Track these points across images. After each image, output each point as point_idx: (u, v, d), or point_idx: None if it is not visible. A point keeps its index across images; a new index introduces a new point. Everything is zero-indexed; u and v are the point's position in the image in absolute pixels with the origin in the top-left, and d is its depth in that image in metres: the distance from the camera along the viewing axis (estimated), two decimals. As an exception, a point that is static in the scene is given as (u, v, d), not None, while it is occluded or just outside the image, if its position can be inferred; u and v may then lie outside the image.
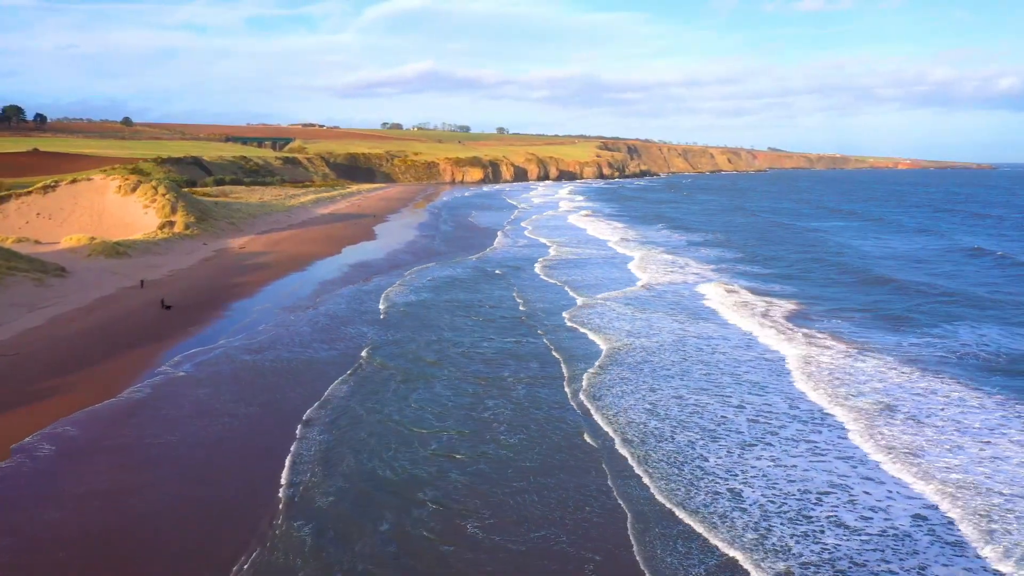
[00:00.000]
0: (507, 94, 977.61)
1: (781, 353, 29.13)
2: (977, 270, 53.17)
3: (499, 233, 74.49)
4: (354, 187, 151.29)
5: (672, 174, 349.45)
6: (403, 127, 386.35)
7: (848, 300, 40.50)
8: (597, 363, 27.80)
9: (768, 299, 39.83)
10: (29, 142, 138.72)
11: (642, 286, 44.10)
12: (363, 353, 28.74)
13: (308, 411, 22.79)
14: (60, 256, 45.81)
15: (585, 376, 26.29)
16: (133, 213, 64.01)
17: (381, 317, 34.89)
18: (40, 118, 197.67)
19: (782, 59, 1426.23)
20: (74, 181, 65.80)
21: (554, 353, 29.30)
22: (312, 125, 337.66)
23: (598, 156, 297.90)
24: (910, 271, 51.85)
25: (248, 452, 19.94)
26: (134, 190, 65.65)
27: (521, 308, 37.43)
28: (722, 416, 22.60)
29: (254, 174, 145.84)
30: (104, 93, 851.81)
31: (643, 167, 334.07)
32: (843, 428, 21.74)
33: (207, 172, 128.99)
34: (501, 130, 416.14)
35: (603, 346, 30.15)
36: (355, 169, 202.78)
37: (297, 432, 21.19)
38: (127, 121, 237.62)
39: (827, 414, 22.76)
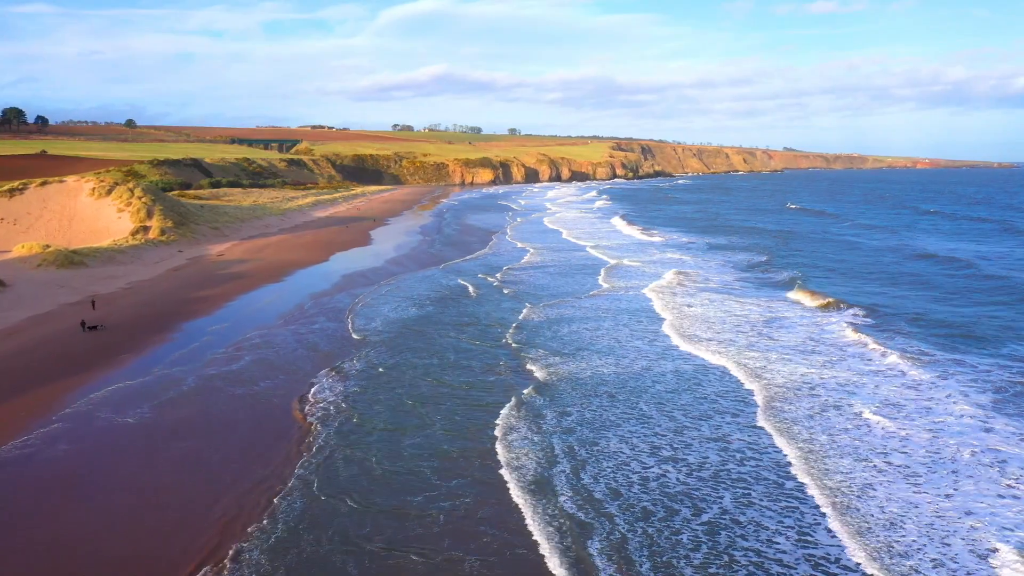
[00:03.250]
0: (520, 96, 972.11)
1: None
2: None
3: (493, 237, 69.30)
4: (358, 189, 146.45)
5: (687, 174, 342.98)
6: (414, 128, 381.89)
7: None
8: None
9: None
10: (30, 145, 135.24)
11: (595, 293, 40.09)
12: (303, 411, 23.52)
13: (236, 488, 17.62)
14: (6, 267, 40.99)
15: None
16: (106, 217, 59.26)
17: (350, 341, 29.70)
18: (42, 121, 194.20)
19: (796, 60, 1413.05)
20: (44, 183, 61.11)
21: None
22: (321, 127, 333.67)
23: (611, 156, 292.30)
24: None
25: (136, 555, 14.72)
26: (109, 193, 60.92)
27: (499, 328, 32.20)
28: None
29: (257, 176, 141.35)
30: (124, 98, 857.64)
31: (657, 167, 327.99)
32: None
33: (207, 174, 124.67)
34: (513, 131, 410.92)
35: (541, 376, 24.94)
36: (362, 171, 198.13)
37: (215, 518, 15.98)
38: (131, 123, 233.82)
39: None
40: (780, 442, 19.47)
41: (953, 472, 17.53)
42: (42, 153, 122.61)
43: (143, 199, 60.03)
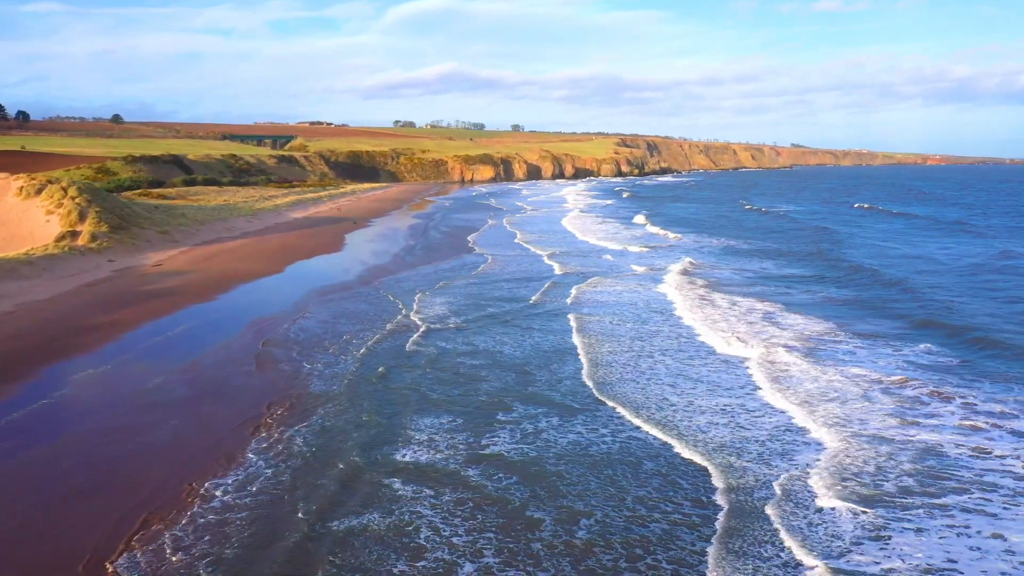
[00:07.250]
0: (527, 94, 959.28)
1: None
2: None
3: (478, 240, 61.37)
4: (349, 187, 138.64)
5: (695, 170, 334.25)
6: (416, 125, 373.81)
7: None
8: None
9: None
10: (9, 141, 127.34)
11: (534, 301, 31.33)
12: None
13: None
14: None
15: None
16: (33, 221, 51.36)
17: (256, 412, 21.69)
18: (22, 115, 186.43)
19: (801, 58, 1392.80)
20: (-36, 182, 53.29)
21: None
22: (320, 123, 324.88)
23: (616, 153, 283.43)
24: None
25: None
26: (39, 193, 53.08)
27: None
28: None
29: (242, 173, 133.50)
30: (133, 96, 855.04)
31: (664, 164, 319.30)
32: None
33: (187, 171, 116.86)
34: (516, 127, 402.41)
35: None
36: (358, 168, 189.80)
37: None
38: (117, 119, 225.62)
39: None
40: None
41: None
42: (22, 149, 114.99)
43: (76, 199, 52.08)
